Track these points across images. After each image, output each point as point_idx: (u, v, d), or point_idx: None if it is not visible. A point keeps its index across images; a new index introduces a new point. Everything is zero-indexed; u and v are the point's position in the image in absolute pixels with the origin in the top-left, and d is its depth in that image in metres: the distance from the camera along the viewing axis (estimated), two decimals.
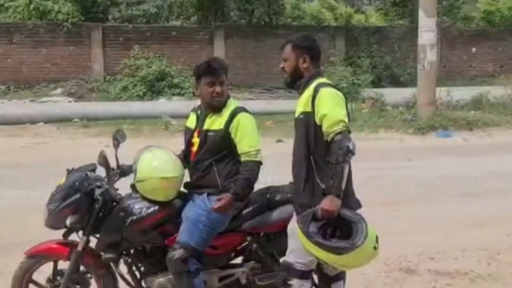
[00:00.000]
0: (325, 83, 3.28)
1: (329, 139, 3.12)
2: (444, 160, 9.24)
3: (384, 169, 8.51)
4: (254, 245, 3.72)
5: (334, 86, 3.31)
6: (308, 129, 3.23)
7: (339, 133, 3.07)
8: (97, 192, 3.60)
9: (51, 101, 14.74)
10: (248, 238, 3.71)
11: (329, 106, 3.13)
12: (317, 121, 3.17)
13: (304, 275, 3.33)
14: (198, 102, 3.85)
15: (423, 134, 11.45)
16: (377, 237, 3.12)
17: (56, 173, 7.55)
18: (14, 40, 15.93)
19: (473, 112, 12.96)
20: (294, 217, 3.38)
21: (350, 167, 3.18)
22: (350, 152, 3.06)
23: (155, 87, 15.69)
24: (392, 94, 13.63)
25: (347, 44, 17.67)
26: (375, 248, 3.08)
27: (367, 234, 3.03)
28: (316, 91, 3.19)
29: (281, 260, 3.60)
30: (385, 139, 11.08)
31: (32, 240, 4.67)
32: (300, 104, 3.30)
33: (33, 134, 11.70)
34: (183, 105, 14.20)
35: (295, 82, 3.38)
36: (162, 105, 14.58)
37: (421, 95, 11.94)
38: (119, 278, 3.78)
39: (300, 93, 3.35)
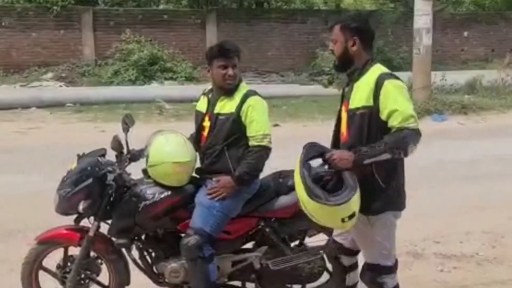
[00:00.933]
0: (388, 73, 3.05)
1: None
2: (441, 144, 9.25)
3: None
4: (267, 230, 3.69)
5: (397, 77, 3.06)
6: (368, 124, 3.02)
7: (412, 129, 2.92)
8: (110, 177, 3.55)
9: (42, 86, 14.55)
10: (262, 223, 3.69)
11: (400, 100, 2.95)
12: (383, 116, 2.97)
13: (394, 269, 3.26)
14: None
15: (419, 118, 11.26)
16: (353, 214, 2.93)
17: (52, 158, 7.58)
18: (3, 24, 15.64)
19: (467, 96, 12.99)
20: (359, 226, 3.12)
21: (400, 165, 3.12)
22: (403, 151, 2.91)
23: (147, 71, 15.53)
24: None
25: None
26: (343, 220, 2.92)
27: (346, 203, 2.88)
28: (379, 83, 2.98)
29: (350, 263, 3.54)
30: None
31: (34, 226, 4.66)
32: (359, 96, 3.06)
33: (25, 119, 11.55)
34: (176, 90, 14.17)
35: (345, 67, 3.17)
36: (155, 89, 14.48)
37: (417, 79, 11.93)
38: (131, 264, 3.76)
39: (355, 80, 3.12)
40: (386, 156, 2.93)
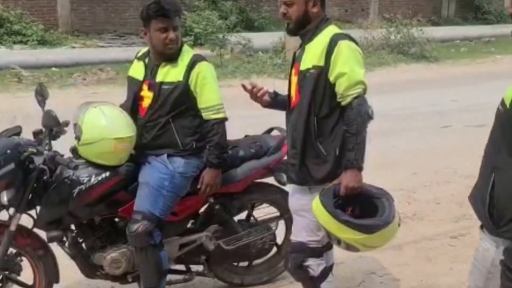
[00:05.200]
0: (343, 34, 2.82)
1: (343, 103, 2.74)
2: None
3: (268, 115, 8.37)
4: (217, 207, 3.39)
5: (353, 39, 2.85)
6: (317, 86, 2.77)
7: (357, 97, 2.71)
8: (38, 160, 2.97)
9: None
10: (211, 200, 3.37)
11: (350, 64, 2.73)
12: (331, 78, 2.75)
13: (320, 252, 2.97)
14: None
15: None
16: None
17: None
18: None
19: None
20: (299, 194, 2.96)
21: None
22: (369, 118, 2.76)
23: None
24: (258, 39, 13.35)
25: None
26: (399, 225, 2.82)
27: (395, 210, 2.77)
28: (333, 43, 2.74)
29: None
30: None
31: None
32: (310, 56, 2.81)
33: None
34: (29, 55, 12.90)
35: (300, 29, 2.88)
36: (5, 55, 13.03)
37: (290, 39, 11.87)
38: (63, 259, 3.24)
39: (307, 42, 2.86)
40: (366, 136, 2.77)
